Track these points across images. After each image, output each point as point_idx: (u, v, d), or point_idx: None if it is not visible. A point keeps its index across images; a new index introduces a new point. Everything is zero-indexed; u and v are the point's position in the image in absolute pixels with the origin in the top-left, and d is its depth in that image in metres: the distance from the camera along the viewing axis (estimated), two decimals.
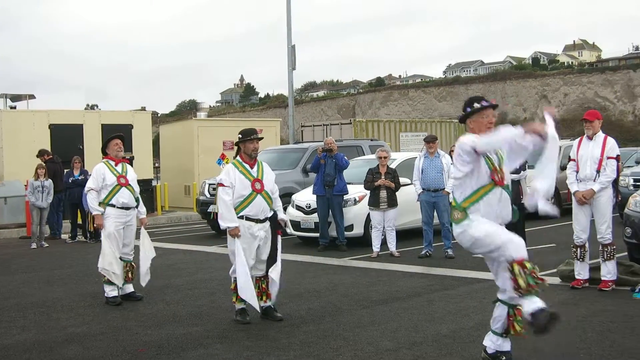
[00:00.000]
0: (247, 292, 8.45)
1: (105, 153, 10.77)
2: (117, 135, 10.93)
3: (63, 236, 19.75)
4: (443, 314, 8.84)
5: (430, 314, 8.83)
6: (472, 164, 6.17)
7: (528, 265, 6.05)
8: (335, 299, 10.00)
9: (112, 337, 8.30)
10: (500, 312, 6.42)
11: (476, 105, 6.39)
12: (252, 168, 8.81)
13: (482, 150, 6.08)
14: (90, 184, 10.47)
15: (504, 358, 6.44)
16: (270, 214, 8.85)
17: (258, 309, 8.68)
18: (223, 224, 8.57)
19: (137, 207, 10.70)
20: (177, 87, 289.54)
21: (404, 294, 10.14)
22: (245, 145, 8.85)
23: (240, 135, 8.92)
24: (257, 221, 8.72)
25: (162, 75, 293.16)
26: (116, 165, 10.57)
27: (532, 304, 6.00)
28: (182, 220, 25.06)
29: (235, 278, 8.62)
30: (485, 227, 6.19)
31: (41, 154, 20.35)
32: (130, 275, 10.56)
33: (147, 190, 26.31)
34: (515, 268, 6.04)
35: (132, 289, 10.58)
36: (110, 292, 10.27)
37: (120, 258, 10.45)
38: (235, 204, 8.63)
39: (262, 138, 9.09)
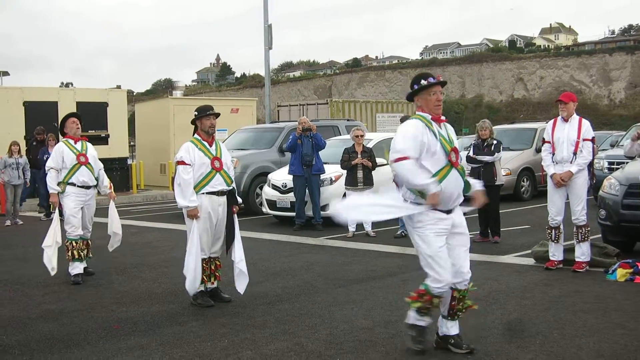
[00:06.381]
0: (192, 273, 8.34)
1: (63, 133, 10.86)
2: (73, 114, 11.08)
3: (38, 214, 19.67)
4: None
5: (405, 293, 8.76)
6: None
7: (435, 301, 6.30)
8: (311, 278, 10.02)
9: (87, 314, 8.29)
10: (446, 294, 6.46)
11: (423, 82, 6.31)
12: (210, 146, 8.64)
13: (395, 172, 6.22)
14: (50, 162, 10.52)
15: (452, 341, 6.51)
16: (228, 189, 8.72)
17: (192, 293, 8.53)
18: (182, 203, 8.43)
19: (96, 186, 10.77)
20: (155, 68, 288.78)
21: (379, 274, 10.18)
22: (202, 122, 8.67)
23: (196, 112, 8.74)
24: (219, 194, 8.57)
25: (142, 56, 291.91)
26: (75, 143, 10.61)
27: (416, 319, 6.43)
28: (158, 199, 24.96)
29: None
30: (430, 238, 6.20)
31: (38, 132, 20.42)
32: (86, 252, 10.60)
33: (123, 169, 26.24)
34: (421, 297, 6.32)
35: (85, 265, 10.61)
36: (73, 269, 10.29)
37: (80, 236, 10.50)
38: (194, 182, 8.46)
39: (219, 114, 8.88)
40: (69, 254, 10.30)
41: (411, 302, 6.38)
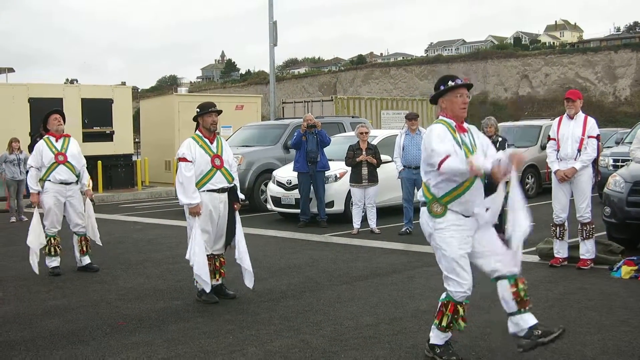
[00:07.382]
0: (203, 270, 8.28)
1: (46, 129, 10.79)
2: (56, 110, 10.99)
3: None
4: (423, 290, 8.89)
5: (410, 290, 8.88)
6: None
7: (460, 310, 6.05)
8: (316, 275, 10.03)
9: (92, 311, 8.30)
10: (502, 290, 6.08)
11: (450, 83, 6.10)
12: (211, 143, 8.59)
13: (443, 171, 5.81)
14: (30, 161, 10.65)
15: (537, 332, 6.05)
16: (229, 186, 8.69)
17: (208, 289, 8.45)
18: (184, 200, 8.36)
19: (77, 182, 10.72)
20: (160, 65, 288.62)
21: (384, 271, 10.18)
22: (204, 119, 8.63)
23: (198, 109, 8.71)
24: (219, 191, 8.53)
25: (147, 53, 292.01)
26: (57, 140, 10.59)
27: (440, 338, 6.12)
28: (163, 196, 24.98)
29: None
30: (452, 240, 5.95)
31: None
32: (85, 248, 10.75)
33: (128, 165, 26.26)
34: (445, 309, 6.06)
35: (89, 261, 10.80)
36: (51, 262, 10.55)
37: (75, 233, 10.73)
38: (195, 179, 8.41)
39: (221, 111, 8.82)
40: (46, 249, 10.50)
41: (437, 321, 6.08)
